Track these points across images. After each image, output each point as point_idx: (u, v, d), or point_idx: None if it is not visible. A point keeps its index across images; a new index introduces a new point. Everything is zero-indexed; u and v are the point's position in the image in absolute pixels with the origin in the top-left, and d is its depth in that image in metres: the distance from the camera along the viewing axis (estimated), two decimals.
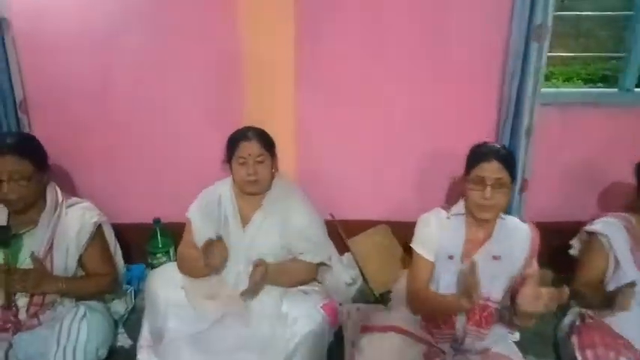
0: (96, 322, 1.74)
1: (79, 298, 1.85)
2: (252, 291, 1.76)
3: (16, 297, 1.76)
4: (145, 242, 2.37)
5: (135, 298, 2.19)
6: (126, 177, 2.44)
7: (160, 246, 2.36)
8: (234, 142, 1.85)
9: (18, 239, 1.79)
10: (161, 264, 2.28)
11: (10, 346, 1.70)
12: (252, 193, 1.87)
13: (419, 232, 1.83)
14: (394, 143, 2.41)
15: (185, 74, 2.29)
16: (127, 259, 2.20)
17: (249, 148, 1.82)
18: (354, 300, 2.19)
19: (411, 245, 1.84)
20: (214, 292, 1.84)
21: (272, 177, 1.90)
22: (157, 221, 2.36)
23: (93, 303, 1.87)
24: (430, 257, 1.78)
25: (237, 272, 1.85)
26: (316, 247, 1.94)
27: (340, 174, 2.44)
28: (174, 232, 2.26)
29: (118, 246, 2.07)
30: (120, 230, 2.11)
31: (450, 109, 2.34)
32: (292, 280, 1.88)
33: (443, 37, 2.25)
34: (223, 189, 1.95)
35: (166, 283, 1.87)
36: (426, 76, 2.30)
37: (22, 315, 1.76)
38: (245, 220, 1.90)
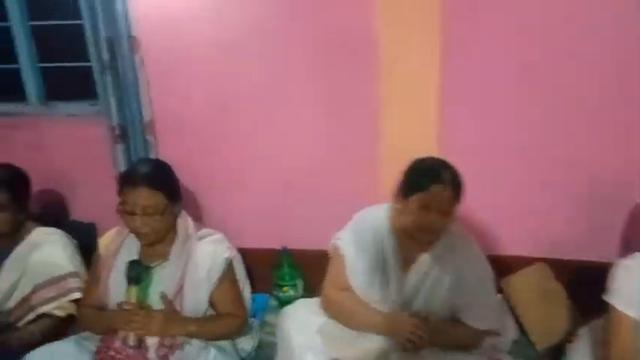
0: None
1: (208, 339, 1.69)
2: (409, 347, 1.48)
3: (146, 337, 1.62)
4: (270, 269, 2.19)
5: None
6: (252, 199, 2.27)
7: (288, 278, 2.16)
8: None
9: (148, 274, 1.65)
10: (288, 297, 2.11)
11: None
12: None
13: (620, 281, 1.45)
14: (552, 169, 2.03)
15: (316, 89, 2.08)
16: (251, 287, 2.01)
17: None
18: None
19: (605, 299, 1.46)
20: (357, 342, 1.60)
21: None
22: (284, 251, 2.17)
23: (222, 343, 1.71)
24: (635, 314, 1.40)
25: None
26: (487, 311, 1.63)
27: (491, 203, 2.09)
28: (302, 261, 2.10)
29: (247, 281, 1.89)
30: (244, 255, 1.93)
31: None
32: (452, 344, 1.58)
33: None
34: (379, 221, 1.63)
35: (302, 327, 1.65)
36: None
37: (152, 355, 1.61)
38: (406, 264, 1.61)
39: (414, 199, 1.46)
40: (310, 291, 2.06)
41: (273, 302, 2.18)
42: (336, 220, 1.71)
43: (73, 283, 1.84)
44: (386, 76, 1.98)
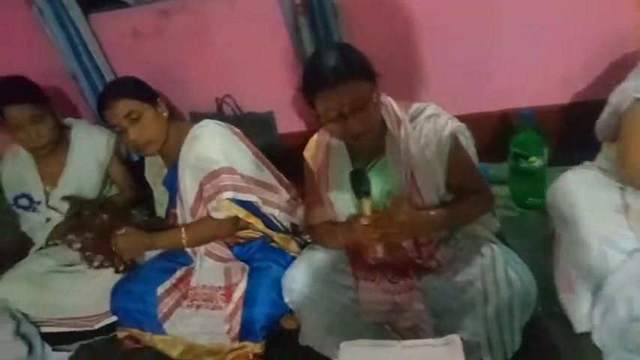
0: None
1: (459, 225, 1.45)
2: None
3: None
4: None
5: None
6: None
7: (533, 145, 1.79)
8: None
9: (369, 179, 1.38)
10: (532, 168, 1.81)
11: None
12: None
13: None
14: None
15: None
16: None
17: None
18: None
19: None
20: None
21: None
22: (526, 112, 1.80)
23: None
24: None
25: None
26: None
27: None
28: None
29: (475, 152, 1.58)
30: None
31: None
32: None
33: None
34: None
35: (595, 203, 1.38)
36: None
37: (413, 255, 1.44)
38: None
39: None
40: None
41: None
42: None
43: (226, 180, 1.57)
44: None
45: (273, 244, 1.71)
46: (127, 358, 1.76)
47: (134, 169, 2.08)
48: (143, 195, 2.05)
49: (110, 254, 1.74)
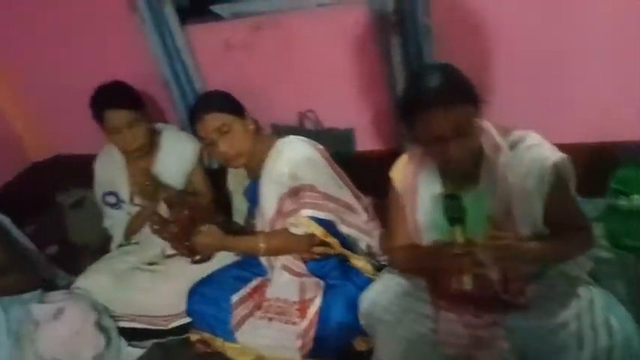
0: None
1: (558, 261, 1.36)
2: None
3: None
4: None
5: None
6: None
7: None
8: None
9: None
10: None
11: None
12: None
13: None
14: None
15: None
16: None
17: None
18: None
19: None
20: None
21: None
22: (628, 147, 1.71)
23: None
24: None
25: None
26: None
27: None
28: None
29: None
30: None
31: None
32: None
33: None
34: None
35: None
36: None
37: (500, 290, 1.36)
38: None
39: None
40: None
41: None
42: None
43: (309, 197, 1.59)
44: None
45: (348, 263, 1.69)
46: None
47: (213, 176, 2.13)
48: (219, 203, 2.09)
49: (187, 248, 1.75)
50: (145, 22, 2.10)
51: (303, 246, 1.64)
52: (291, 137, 1.67)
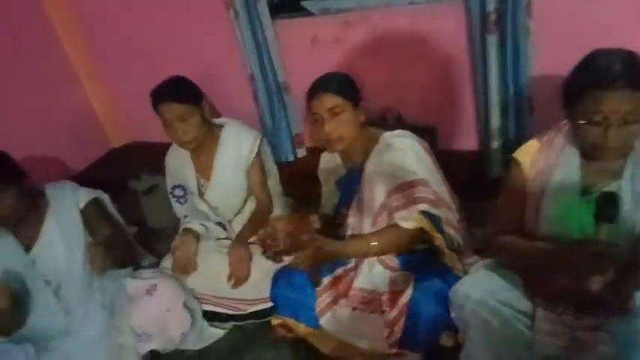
0: None
1: None
2: None
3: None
4: None
5: None
6: None
7: None
8: None
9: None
10: None
11: None
12: None
13: None
14: None
15: None
16: None
17: None
18: None
19: None
20: None
21: None
22: None
23: None
24: None
25: None
26: None
27: None
28: None
29: None
30: None
31: None
32: None
33: None
34: None
35: None
36: None
37: None
38: None
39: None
40: None
41: None
42: None
43: (422, 192, 1.58)
44: None
45: (438, 259, 1.70)
46: (279, 346, 1.84)
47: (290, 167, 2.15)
48: (271, 203, 2.11)
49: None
50: (239, 16, 2.17)
51: (411, 241, 1.64)
52: (401, 131, 1.68)
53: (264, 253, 1.92)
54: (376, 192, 1.62)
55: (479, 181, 2.01)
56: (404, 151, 1.61)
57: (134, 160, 3.09)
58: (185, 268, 1.97)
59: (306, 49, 2.27)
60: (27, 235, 1.90)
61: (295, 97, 2.37)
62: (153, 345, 1.82)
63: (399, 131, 1.68)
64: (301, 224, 1.80)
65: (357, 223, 1.71)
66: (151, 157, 3.00)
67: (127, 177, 2.93)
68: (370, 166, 1.65)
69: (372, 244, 1.62)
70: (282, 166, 2.25)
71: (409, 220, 1.58)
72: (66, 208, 1.95)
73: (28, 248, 1.90)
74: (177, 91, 1.90)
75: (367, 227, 1.68)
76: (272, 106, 2.38)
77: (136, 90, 2.87)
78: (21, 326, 1.84)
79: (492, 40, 1.77)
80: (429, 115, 2.19)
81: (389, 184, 1.60)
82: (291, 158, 2.50)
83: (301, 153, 2.52)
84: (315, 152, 2.07)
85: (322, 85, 1.65)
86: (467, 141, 2.18)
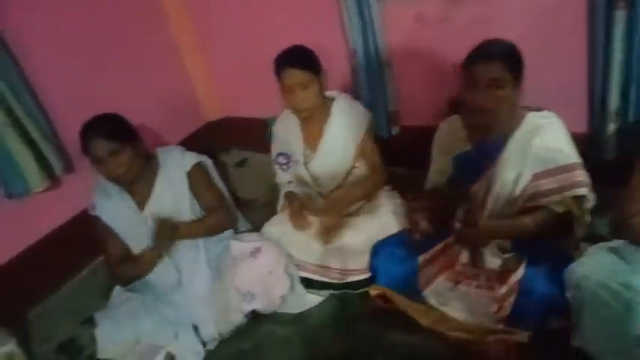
0: None
1: None
2: None
3: None
4: None
5: None
6: None
7: None
8: None
9: None
10: None
11: None
12: None
13: None
14: None
15: None
16: None
17: None
18: None
19: None
20: None
21: None
22: None
23: None
24: None
25: None
26: None
27: None
28: None
29: None
30: None
31: None
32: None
33: None
34: None
35: None
36: None
37: None
38: None
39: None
40: None
41: None
42: None
43: (579, 176, 1.57)
44: None
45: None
46: (376, 316, 1.84)
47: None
48: (384, 174, 2.15)
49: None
50: None
51: (554, 225, 1.61)
52: (547, 112, 1.63)
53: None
54: (524, 174, 1.59)
55: (589, 166, 1.94)
56: (558, 134, 1.59)
57: (225, 134, 3.20)
58: (302, 224, 2.04)
59: (410, 26, 2.24)
60: (141, 194, 2.03)
61: (396, 74, 2.36)
62: (256, 305, 1.91)
63: (546, 112, 1.63)
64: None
65: (487, 197, 1.67)
66: (242, 132, 3.13)
67: (218, 150, 3.05)
68: (513, 145, 1.61)
69: (527, 223, 1.60)
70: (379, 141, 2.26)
71: (562, 204, 1.57)
72: (175, 170, 2.08)
73: (140, 207, 2.03)
74: (303, 58, 1.96)
75: (490, 205, 1.66)
76: (370, 82, 2.38)
77: (231, 66, 3.00)
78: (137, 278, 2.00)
79: (620, 16, 1.69)
80: (535, 97, 2.12)
81: (539, 167, 1.57)
82: (385, 135, 2.50)
83: (395, 130, 2.52)
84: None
85: (486, 51, 1.58)
86: (574, 122, 2.09)
